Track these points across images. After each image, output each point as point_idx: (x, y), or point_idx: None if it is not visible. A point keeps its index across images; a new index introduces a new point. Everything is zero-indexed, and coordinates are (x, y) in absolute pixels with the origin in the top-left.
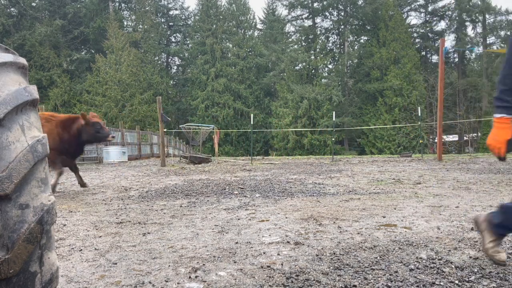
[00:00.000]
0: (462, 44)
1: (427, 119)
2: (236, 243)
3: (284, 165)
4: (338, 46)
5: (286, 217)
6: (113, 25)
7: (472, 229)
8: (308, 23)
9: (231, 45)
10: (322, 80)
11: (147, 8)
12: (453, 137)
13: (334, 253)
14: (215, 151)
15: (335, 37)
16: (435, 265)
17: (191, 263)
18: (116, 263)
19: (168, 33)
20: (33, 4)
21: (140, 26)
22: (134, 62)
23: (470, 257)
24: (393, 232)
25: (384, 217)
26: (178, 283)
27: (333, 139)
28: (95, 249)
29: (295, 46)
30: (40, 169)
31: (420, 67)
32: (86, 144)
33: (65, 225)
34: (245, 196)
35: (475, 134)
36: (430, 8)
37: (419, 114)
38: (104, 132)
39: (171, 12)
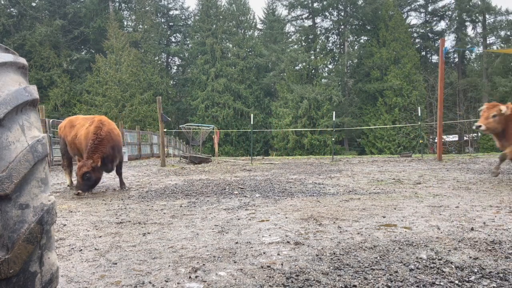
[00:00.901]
0: (462, 44)
1: (427, 119)
2: (236, 243)
3: (284, 165)
4: (338, 46)
5: (286, 217)
6: (113, 25)
7: (472, 229)
8: (308, 23)
9: (231, 45)
10: (322, 80)
11: (147, 8)
12: (453, 137)
13: (334, 253)
14: (215, 151)
15: (335, 37)
16: (435, 265)
17: (191, 263)
18: (116, 263)
19: (168, 33)
20: (33, 4)
21: (140, 26)
22: (134, 62)
23: (470, 257)
24: (393, 232)
25: (384, 217)
26: (178, 283)
27: (333, 139)
28: (95, 249)
29: (295, 46)
30: (40, 169)
31: (420, 67)
32: None
33: (65, 225)
34: (245, 196)
35: (475, 134)
36: (430, 8)
37: (419, 114)
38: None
39: (171, 12)
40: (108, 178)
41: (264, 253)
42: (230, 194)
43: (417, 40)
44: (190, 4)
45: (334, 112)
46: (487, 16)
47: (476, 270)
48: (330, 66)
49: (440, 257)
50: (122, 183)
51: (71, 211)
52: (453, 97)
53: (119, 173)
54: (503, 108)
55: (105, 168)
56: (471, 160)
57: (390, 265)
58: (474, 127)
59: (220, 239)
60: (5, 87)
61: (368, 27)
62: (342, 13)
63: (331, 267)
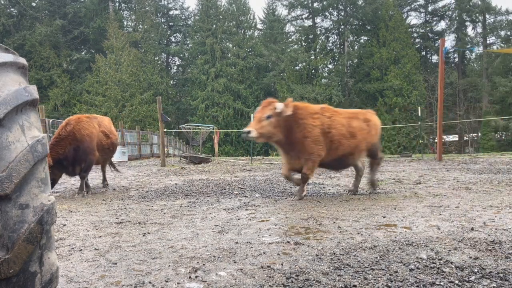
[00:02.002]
0: (462, 44)
1: (427, 119)
2: (236, 243)
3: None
4: (338, 46)
5: (286, 217)
6: (113, 25)
7: (472, 229)
8: (308, 23)
9: (231, 45)
10: (322, 80)
11: (147, 8)
12: (453, 137)
13: (334, 253)
14: (215, 151)
15: (335, 37)
16: (435, 265)
17: (191, 263)
18: (116, 263)
19: (168, 33)
20: (33, 4)
21: (140, 26)
22: (134, 62)
23: (470, 257)
24: (393, 232)
25: (384, 217)
26: (178, 283)
27: None
28: (95, 249)
29: (295, 46)
30: (40, 169)
31: (420, 67)
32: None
33: (65, 225)
34: (245, 196)
35: (475, 134)
36: (430, 8)
37: (419, 114)
38: None
39: (171, 12)
40: (108, 178)
41: (264, 253)
42: (230, 194)
43: (417, 40)
44: (190, 4)
45: None
46: (487, 16)
47: (476, 270)
48: (330, 66)
49: (440, 257)
50: (81, 187)
51: (71, 211)
52: (453, 97)
53: (81, 176)
54: (278, 106)
55: (65, 171)
56: (471, 160)
57: (390, 265)
58: (243, 135)
59: (220, 239)
60: (5, 87)
61: (368, 27)
62: (342, 13)
63: (331, 267)
